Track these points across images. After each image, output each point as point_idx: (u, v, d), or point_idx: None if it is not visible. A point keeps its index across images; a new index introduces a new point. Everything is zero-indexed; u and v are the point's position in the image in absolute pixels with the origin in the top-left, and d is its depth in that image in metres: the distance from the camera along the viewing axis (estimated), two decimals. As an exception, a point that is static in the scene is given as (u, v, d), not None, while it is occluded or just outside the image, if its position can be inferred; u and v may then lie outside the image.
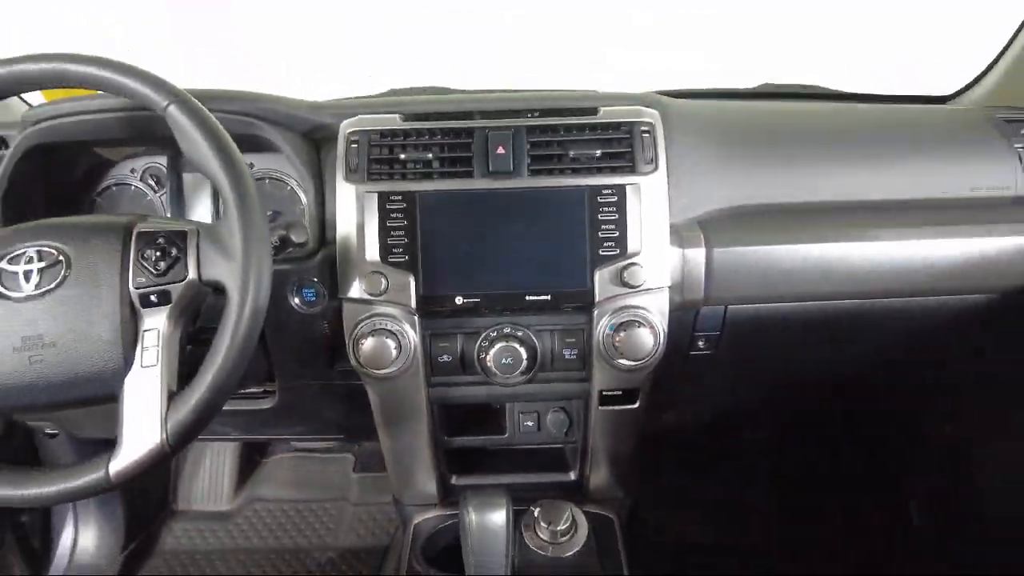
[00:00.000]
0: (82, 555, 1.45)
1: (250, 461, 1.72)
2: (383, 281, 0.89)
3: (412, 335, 0.91)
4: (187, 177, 1.07)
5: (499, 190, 0.91)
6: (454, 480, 1.11)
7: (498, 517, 0.81)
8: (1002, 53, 1.22)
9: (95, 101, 0.93)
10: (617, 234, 0.90)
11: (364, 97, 1.24)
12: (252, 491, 1.68)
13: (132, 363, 0.71)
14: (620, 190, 0.90)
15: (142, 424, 0.70)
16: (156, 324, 0.72)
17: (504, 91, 1.17)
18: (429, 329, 0.94)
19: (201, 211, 1.08)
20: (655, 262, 0.90)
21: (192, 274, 0.72)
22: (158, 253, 0.72)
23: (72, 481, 0.70)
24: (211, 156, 0.72)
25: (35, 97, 1.25)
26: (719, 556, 1.50)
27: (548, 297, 0.92)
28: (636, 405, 1.00)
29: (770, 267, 0.94)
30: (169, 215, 1.06)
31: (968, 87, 1.28)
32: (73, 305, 0.71)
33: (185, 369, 0.74)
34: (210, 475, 1.66)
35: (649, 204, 0.90)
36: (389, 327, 0.90)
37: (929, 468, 1.46)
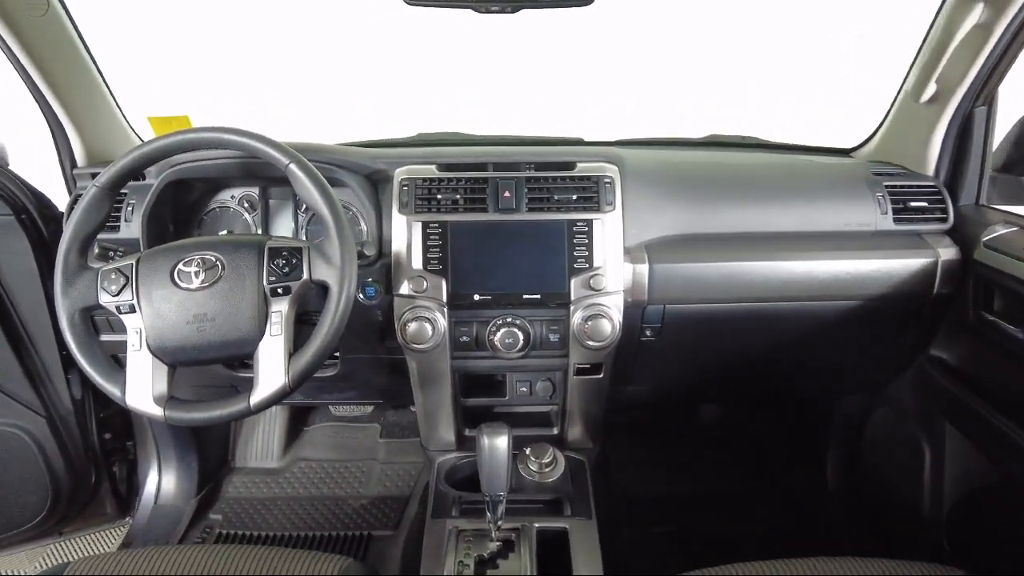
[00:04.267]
0: (164, 498, 1.75)
1: (295, 429, 2.01)
2: (424, 283, 1.20)
3: (442, 321, 1.21)
4: (272, 203, 1.36)
5: (505, 221, 1.21)
6: (467, 432, 1.39)
7: (502, 441, 1.02)
8: (886, 116, 1.50)
9: (213, 152, 1.20)
10: (586, 253, 1.20)
11: (401, 142, 1.56)
12: (297, 452, 1.96)
13: (264, 333, 0.97)
14: (589, 223, 1.20)
15: (272, 373, 0.96)
16: (280, 308, 0.98)
17: (512, 138, 1.52)
18: (454, 317, 1.22)
19: (283, 227, 1.37)
20: (613, 273, 1.20)
21: (306, 275, 0.99)
22: (282, 261, 0.99)
23: (226, 409, 0.96)
24: (319, 199, 1.00)
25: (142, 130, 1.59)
26: (666, 500, 1.78)
27: (539, 296, 1.21)
28: (601, 376, 1.30)
29: (696, 279, 1.24)
30: (259, 231, 1.35)
31: (865, 142, 1.57)
32: (226, 294, 0.97)
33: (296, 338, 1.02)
34: (263, 440, 1.96)
35: (609, 233, 1.20)
36: (427, 315, 1.19)
37: (839, 438, 1.73)
